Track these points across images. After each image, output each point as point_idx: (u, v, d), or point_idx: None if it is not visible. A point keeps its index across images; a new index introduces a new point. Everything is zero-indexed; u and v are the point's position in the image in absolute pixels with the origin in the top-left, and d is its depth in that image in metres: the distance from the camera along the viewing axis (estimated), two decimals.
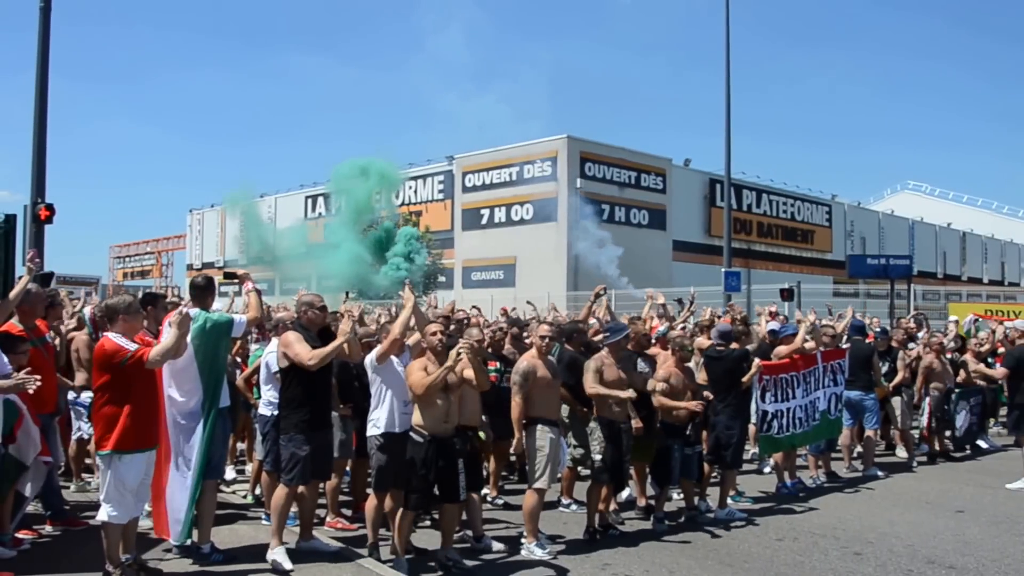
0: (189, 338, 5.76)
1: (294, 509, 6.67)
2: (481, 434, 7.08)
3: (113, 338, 5.39)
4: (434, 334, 6.03)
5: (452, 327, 8.78)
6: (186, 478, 5.88)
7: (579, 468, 7.55)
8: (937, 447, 11.17)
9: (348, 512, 7.50)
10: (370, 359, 6.31)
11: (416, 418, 5.95)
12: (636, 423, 7.26)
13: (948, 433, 11.42)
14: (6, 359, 5.65)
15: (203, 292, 6.20)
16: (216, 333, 5.88)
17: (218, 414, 5.99)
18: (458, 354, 5.66)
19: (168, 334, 5.47)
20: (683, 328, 9.87)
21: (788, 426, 8.68)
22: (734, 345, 8.15)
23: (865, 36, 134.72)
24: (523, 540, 6.52)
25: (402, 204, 33.58)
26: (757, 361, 8.30)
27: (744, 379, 8.08)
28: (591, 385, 6.85)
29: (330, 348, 5.93)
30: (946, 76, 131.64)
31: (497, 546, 6.64)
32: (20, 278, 6.50)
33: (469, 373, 6.07)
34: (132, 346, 5.35)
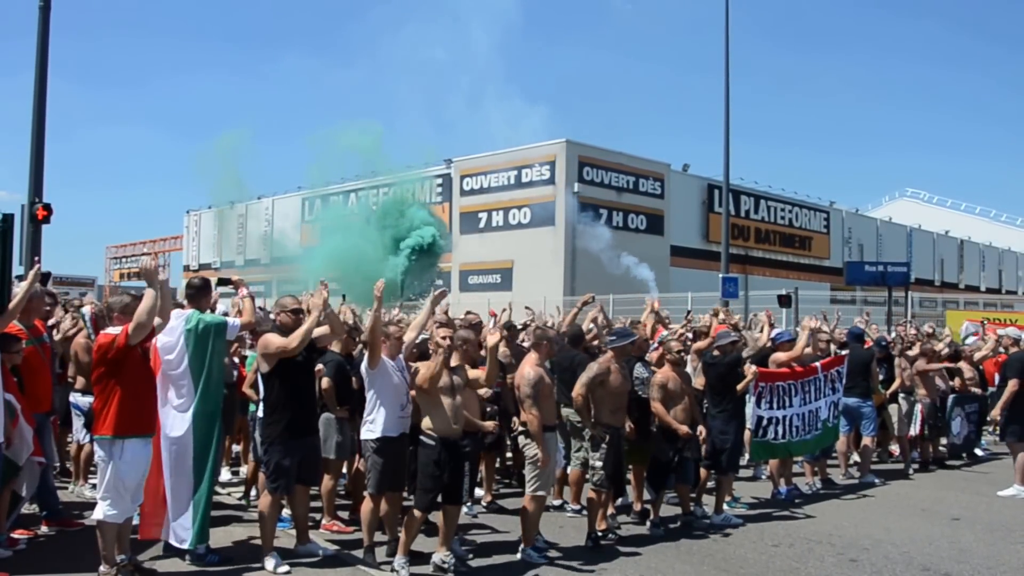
0: (183, 340, 5.77)
1: (288, 512, 6.68)
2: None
3: (107, 331, 5.56)
4: (444, 338, 6.10)
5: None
6: (186, 482, 5.86)
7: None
8: (930, 454, 11.18)
9: (345, 515, 7.48)
10: (364, 365, 6.32)
11: (426, 421, 6.01)
12: (627, 426, 7.26)
13: (944, 440, 11.43)
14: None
15: (199, 293, 6.20)
16: (209, 334, 5.87)
17: (214, 415, 5.96)
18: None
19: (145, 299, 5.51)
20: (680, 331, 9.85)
21: (784, 433, 8.68)
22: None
23: (864, 41, 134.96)
24: (520, 545, 6.52)
25: None
26: (753, 368, 8.32)
27: (739, 386, 8.11)
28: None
29: (303, 328, 5.95)
30: (945, 82, 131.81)
31: (466, 547, 6.67)
32: (18, 279, 6.50)
33: (476, 372, 6.28)
34: (118, 330, 5.49)
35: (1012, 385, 9.57)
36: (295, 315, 6.22)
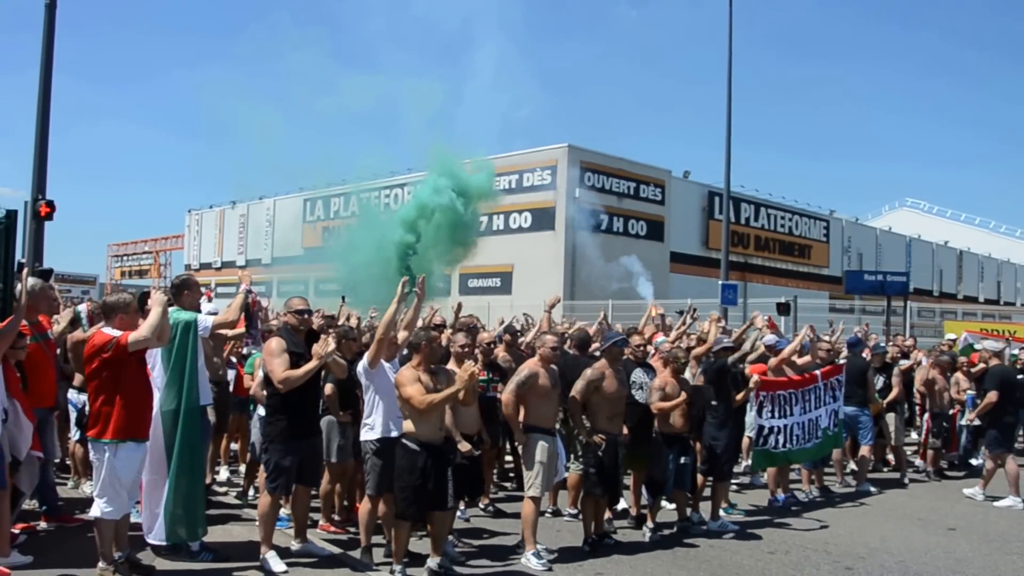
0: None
1: (286, 511, 6.70)
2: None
3: (104, 331, 5.58)
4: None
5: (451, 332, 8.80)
6: (164, 478, 5.87)
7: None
8: (932, 465, 11.19)
9: (336, 517, 7.49)
10: (362, 365, 6.34)
11: (408, 426, 5.94)
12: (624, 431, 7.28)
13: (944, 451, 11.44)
14: None
15: (179, 290, 6.24)
16: (176, 332, 5.87)
17: (191, 412, 5.92)
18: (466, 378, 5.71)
19: (151, 314, 5.54)
20: (676, 340, 9.84)
21: (785, 442, 8.70)
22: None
23: (866, 51, 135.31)
24: (519, 549, 6.55)
25: None
26: (755, 377, 8.35)
27: (740, 395, 8.17)
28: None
29: (300, 372, 5.86)
30: (946, 93, 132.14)
31: (462, 551, 6.69)
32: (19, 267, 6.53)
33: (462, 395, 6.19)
34: (117, 333, 5.51)
35: (991, 397, 9.77)
36: (300, 316, 6.24)
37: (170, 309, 5.96)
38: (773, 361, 8.93)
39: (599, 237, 29.77)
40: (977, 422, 10.38)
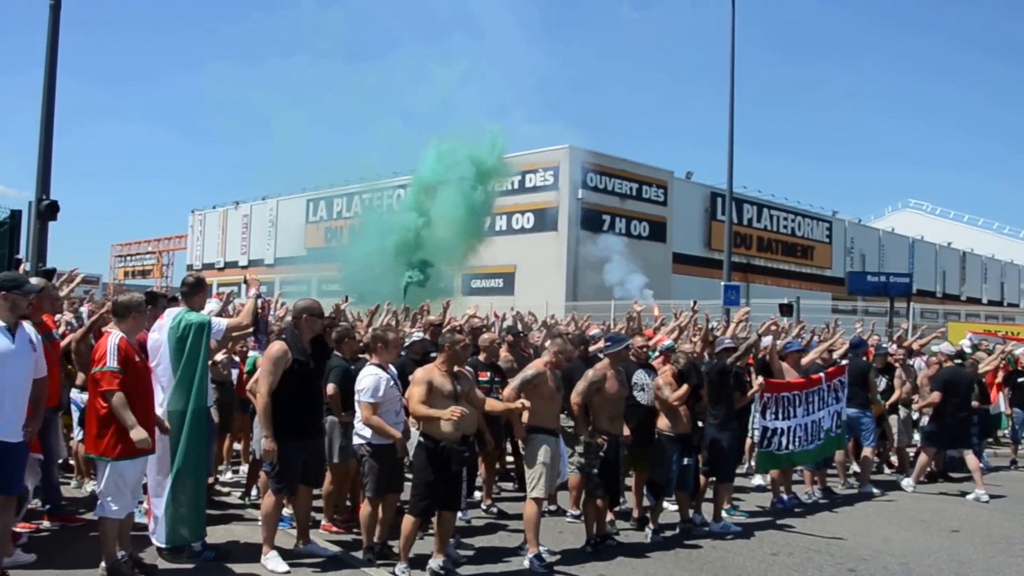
0: (165, 337, 5.83)
1: (288, 511, 6.70)
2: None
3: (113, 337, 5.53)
4: (465, 346, 6.16)
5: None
6: (165, 478, 5.85)
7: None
8: (933, 466, 11.17)
9: (338, 517, 7.49)
10: (363, 395, 6.34)
11: (427, 425, 5.94)
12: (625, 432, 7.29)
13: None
14: None
15: (192, 290, 6.22)
16: (188, 333, 5.85)
17: (198, 413, 5.90)
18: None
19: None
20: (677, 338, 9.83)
21: (788, 443, 8.69)
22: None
23: (868, 54, 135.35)
24: (522, 550, 6.55)
25: None
26: (760, 379, 8.34)
27: (748, 395, 8.20)
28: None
29: (264, 409, 5.90)
30: (949, 95, 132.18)
31: (464, 552, 6.68)
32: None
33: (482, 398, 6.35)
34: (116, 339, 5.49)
35: (934, 397, 10.10)
36: (319, 318, 6.24)
37: (181, 309, 5.96)
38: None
39: (601, 238, 29.78)
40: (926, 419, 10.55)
